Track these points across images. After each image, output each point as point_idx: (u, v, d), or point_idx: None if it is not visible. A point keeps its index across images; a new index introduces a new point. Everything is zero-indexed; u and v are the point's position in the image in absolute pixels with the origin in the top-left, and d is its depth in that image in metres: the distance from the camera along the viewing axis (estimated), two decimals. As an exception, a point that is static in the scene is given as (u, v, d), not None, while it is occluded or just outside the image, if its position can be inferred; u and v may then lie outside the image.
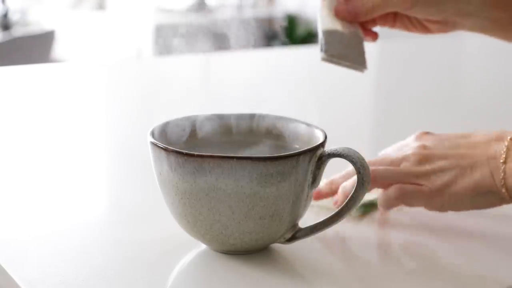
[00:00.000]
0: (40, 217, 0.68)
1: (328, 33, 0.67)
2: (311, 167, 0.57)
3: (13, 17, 4.28)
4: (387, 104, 1.24)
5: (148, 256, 0.60)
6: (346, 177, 0.68)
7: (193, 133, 0.64)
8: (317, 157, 0.57)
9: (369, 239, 0.64)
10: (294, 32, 4.40)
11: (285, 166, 0.55)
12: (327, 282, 0.57)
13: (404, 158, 0.66)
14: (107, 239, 0.64)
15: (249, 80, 1.32)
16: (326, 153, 0.58)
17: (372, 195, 0.71)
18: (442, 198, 0.64)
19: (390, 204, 0.66)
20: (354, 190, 0.57)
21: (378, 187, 0.66)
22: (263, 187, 0.55)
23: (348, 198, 0.58)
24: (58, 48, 3.78)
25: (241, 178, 0.54)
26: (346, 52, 0.67)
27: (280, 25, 4.45)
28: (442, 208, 0.65)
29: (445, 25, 0.72)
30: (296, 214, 0.58)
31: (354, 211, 0.64)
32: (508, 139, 0.63)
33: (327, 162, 0.58)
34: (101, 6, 4.78)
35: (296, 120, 0.65)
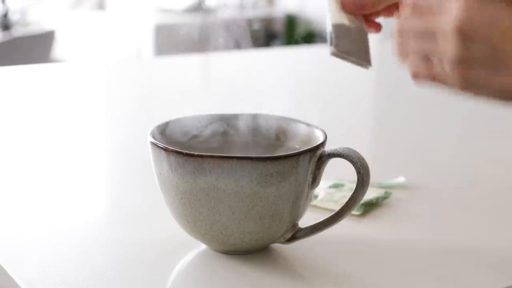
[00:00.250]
0: (40, 217, 0.68)
1: (338, 27, 0.66)
2: (311, 167, 0.57)
3: (13, 17, 4.28)
4: (387, 104, 1.24)
5: (148, 256, 0.60)
6: None
7: (193, 133, 0.64)
8: (317, 157, 0.57)
9: (369, 239, 0.64)
10: (294, 32, 4.40)
11: (285, 166, 0.55)
12: (327, 282, 0.57)
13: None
14: (107, 239, 0.64)
15: (249, 80, 1.32)
16: (326, 153, 0.58)
17: (372, 194, 0.71)
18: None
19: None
20: (354, 190, 0.57)
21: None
22: (263, 187, 0.55)
23: (348, 198, 0.58)
24: (58, 48, 3.78)
25: (241, 178, 0.54)
26: (354, 48, 0.66)
27: (281, 24, 4.45)
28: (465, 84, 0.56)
29: None
30: (296, 214, 0.58)
31: (354, 211, 0.64)
32: None
33: (327, 162, 0.58)
34: (101, 6, 4.78)
35: (296, 120, 0.65)
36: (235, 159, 0.54)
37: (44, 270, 0.57)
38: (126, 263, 0.59)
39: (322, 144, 0.58)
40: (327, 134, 0.60)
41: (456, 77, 0.55)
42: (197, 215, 0.56)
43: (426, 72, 0.58)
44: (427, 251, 0.62)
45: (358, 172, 0.56)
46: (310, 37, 4.26)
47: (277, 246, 0.61)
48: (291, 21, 4.47)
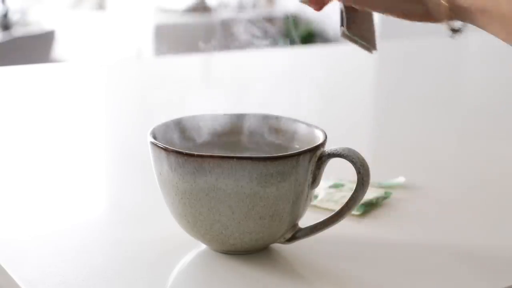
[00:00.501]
0: (40, 217, 0.68)
1: (349, 9, 0.65)
2: (311, 167, 0.57)
3: (13, 17, 4.29)
4: (387, 104, 1.24)
5: (148, 256, 0.60)
6: None
7: (193, 133, 0.64)
8: (317, 157, 0.57)
9: (369, 239, 0.64)
10: (294, 32, 4.40)
11: (285, 166, 0.55)
12: (327, 282, 0.57)
13: None
14: (107, 239, 0.64)
15: (249, 80, 1.32)
16: (326, 153, 0.58)
17: (372, 194, 0.71)
18: None
19: None
20: (354, 190, 0.57)
21: None
22: (263, 187, 0.55)
23: (348, 198, 0.58)
24: (58, 48, 3.78)
25: (241, 178, 0.54)
26: (363, 31, 0.66)
27: (284, 23, 4.45)
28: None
29: None
30: (296, 214, 0.58)
31: (354, 211, 0.64)
32: None
33: (327, 162, 0.58)
34: (101, 6, 4.78)
35: (296, 120, 0.65)
36: (235, 159, 0.54)
37: (44, 270, 0.57)
38: (126, 263, 0.59)
39: (322, 144, 0.58)
40: (327, 134, 0.60)
41: None
42: (197, 215, 0.56)
43: None
44: (427, 251, 0.62)
45: (358, 172, 0.56)
46: (310, 37, 4.26)
47: (277, 246, 0.61)
48: (291, 21, 4.46)
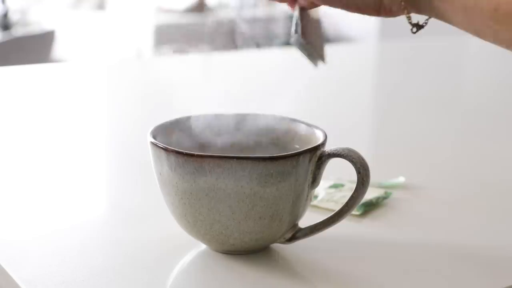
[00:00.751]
0: (40, 217, 0.68)
1: (303, 14, 0.62)
2: (311, 167, 0.57)
3: (13, 17, 4.28)
4: (387, 104, 1.24)
5: (148, 256, 0.60)
6: None
7: (193, 133, 0.64)
8: (317, 157, 0.57)
9: (369, 239, 0.64)
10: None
11: (285, 166, 0.55)
12: (327, 282, 0.57)
13: None
14: (107, 239, 0.64)
15: (249, 80, 1.32)
16: (326, 153, 0.58)
17: (372, 194, 0.71)
18: None
19: None
20: (354, 190, 0.57)
21: None
22: (263, 187, 0.55)
23: (348, 198, 0.58)
24: (58, 48, 3.78)
25: (241, 178, 0.54)
26: (315, 40, 0.63)
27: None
28: None
29: None
30: (296, 214, 0.58)
31: (354, 211, 0.64)
32: None
33: (327, 162, 0.58)
34: (101, 6, 4.77)
35: (296, 120, 0.65)
36: (235, 159, 0.54)
37: (44, 270, 0.57)
38: (126, 263, 0.59)
39: (322, 144, 0.58)
40: (327, 134, 0.60)
41: None
42: (197, 215, 0.56)
43: None
44: (427, 251, 0.62)
45: (358, 172, 0.56)
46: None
47: (277, 246, 0.61)
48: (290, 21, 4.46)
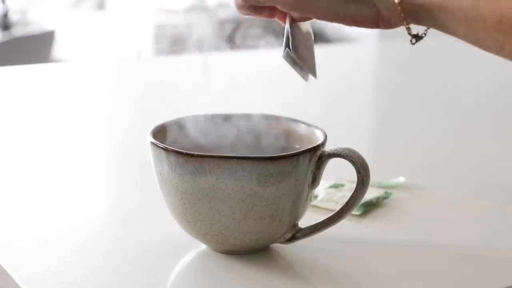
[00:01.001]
0: (40, 217, 0.68)
1: (295, 30, 0.61)
2: (311, 167, 0.57)
3: (13, 17, 4.29)
4: (387, 104, 1.24)
5: (148, 256, 0.60)
6: None
7: (193, 133, 0.64)
8: (317, 157, 0.57)
9: (369, 239, 0.64)
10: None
11: (285, 166, 0.55)
12: (327, 282, 0.57)
13: None
14: (107, 239, 0.64)
15: (249, 81, 1.32)
16: (326, 153, 0.58)
17: (372, 194, 0.71)
18: None
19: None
20: (354, 190, 0.57)
21: None
22: (263, 187, 0.55)
23: (348, 198, 0.58)
24: (58, 48, 3.78)
25: (241, 178, 0.54)
26: (306, 54, 0.61)
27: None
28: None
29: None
30: (296, 214, 0.58)
31: (354, 211, 0.64)
32: None
33: (327, 162, 0.58)
34: (101, 6, 4.77)
35: (296, 120, 0.65)
36: (235, 159, 0.54)
37: (44, 270, 0.57)
38: (126, 263, 0.59)
39: (322, 144, 0.58)
40: (327, 134, 0.60)
41: None
42: (197, 215, 0.56)
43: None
44: (427, 251, 0.62)
45: (358, 172, 0.56)
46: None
47: (277, 246, 0.61)
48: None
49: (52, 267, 0.57)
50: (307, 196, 0.58)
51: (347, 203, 0.58)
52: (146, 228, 0.65)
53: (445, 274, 0.58)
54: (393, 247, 0.63)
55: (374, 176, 0.59)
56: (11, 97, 1.21)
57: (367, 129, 1.10)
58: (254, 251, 0.60)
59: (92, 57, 4.30)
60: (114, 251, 0.61)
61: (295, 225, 0.59)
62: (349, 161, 0.57)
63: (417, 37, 0.58)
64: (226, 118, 0.66)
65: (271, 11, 0.62)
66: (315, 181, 0.58)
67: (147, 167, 0.62)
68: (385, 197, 0.72)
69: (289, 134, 0.65)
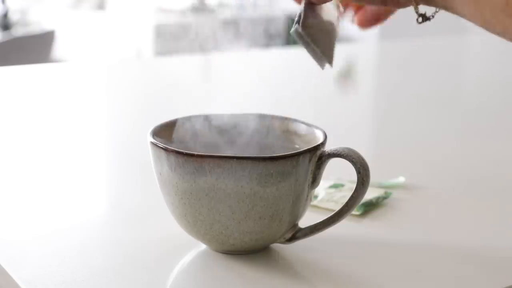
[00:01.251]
0: (40, 217, 0.68)
1: (310, 11, 0.60)
2: (311, 167, 0.57)
3: (13, 17, 4.28)
4: (387, 104, 1.24)
5: (148, 256, 0.60)
6: None
7: (193, 133, 0.64)
8: (317, 157, 0.57)
9: (369, 239, 0.64)
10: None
11: (285, 166, 0.55)
12: (327, 282, 0.57)
13: None
14: (107, 239, 0.64)
15: (249, 81, 1.32)
16: (326, 153, 0.58)
17: (372, 194, 0.71)
18: None
19: None
20: (354, 190, 0.57)
21: None
22: (263, 187, 0.55)
23: (348, 198, 0.58)
24: (58, 48, 3.78)
25: (241, 178, 0.54)
26: (320, 38, 0.60)
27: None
28: None
29: None
30: (296, 214, 0.58)
31: (354, 211, 0.64)
32: None
33: (327, 162, 0.58)
34: (101, 6, 4.78)
35: (296, 120, 0.65)
36: (235, 159, 0.54)
37: (44, 270, 0.57)
38: (126, 263, 0.59)
39: (322, 144, 0.58)
40: (327, 134, 0.60)
41: None
42: (197, 215, 0.56)
43: None
44: (427, 251, 0.62)
45: (358, 172, 0.56)
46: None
47: (277, 246, 0.61)
48: (291, 21, 4.46)
49: (52, 267, 0.57)
50: (307, 196, 0.58)
51: (347, 203, 0.58)
52: (146, 228, 0.65)
53: (445, 274, 0.58)
54: (393, 247, 0.63)
55: (374, 176, 0.59)
56: (11, 97, 1.21)
57: (367, 129, 1.10)
58: (254, 251, 0.60)
59: (92, 57, 4.30)
60: (114, 251, 0.61)
61: (295, 225, 0.59)
62: (349, 161, 0.57)
63: (424, 17, 0.58)
64: (226, 118, 0.66)
65: None
66: (315, 181, 0.58)
67: (147, 167, 0.62)
68: (385, 197, 0.72)
69: (289, 134, 0.65)
